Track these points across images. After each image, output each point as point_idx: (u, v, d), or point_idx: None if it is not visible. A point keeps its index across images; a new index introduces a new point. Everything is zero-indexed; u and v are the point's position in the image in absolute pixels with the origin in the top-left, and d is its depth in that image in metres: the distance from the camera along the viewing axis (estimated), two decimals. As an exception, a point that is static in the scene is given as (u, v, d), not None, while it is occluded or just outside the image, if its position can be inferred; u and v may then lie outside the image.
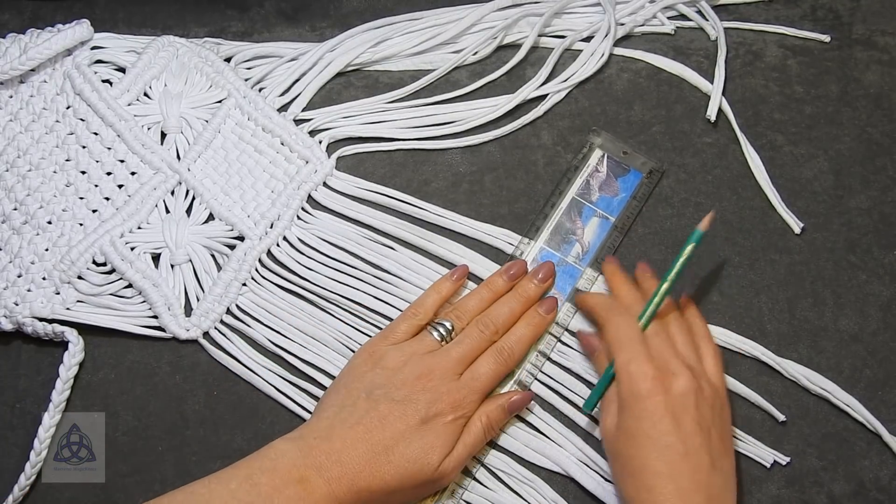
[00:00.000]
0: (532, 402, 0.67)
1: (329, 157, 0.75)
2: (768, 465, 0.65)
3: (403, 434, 0.60)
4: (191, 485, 0.58)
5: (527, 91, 0.76)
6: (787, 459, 0.65)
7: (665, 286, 0.64)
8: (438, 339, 0.65)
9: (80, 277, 0.71)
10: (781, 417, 0.66)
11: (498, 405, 0.65)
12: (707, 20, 0.78)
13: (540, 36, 0.78)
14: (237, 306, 0.71)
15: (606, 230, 0.72)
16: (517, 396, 0.65)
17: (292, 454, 0.59)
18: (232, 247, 0.72)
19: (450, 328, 0.66)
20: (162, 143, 0.75)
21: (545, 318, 0.68)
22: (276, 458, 0.59)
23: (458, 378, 0.63)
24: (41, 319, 0.70)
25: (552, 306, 0.68)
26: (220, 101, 0.77)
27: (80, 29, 0.77)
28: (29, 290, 0.71)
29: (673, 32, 0.79)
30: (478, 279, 0.70)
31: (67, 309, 0.70)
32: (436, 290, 0.68)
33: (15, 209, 0.73)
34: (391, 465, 0.60)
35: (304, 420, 0.67)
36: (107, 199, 0.73)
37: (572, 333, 0.69)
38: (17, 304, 0.70)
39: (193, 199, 0.74)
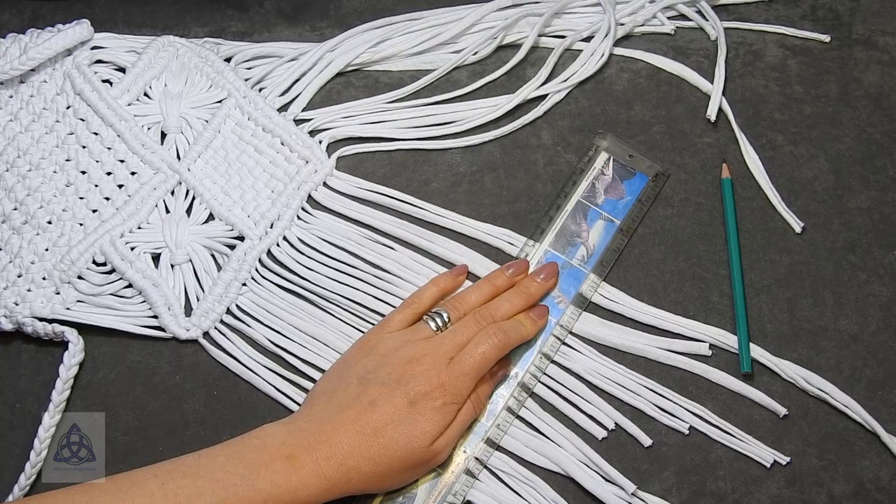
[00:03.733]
0: (532, 401, 0.67)
1: (329, 157, 0.75)
2: (768, 465, 0.65)
3: (393, 417, 0.60)
4: (181, 457, 0.59)
5: (527, 91, 0.76)
6: (787, 459, 0.65)
7: (733, 243, 0.70)
8: (434, 328, 0.65)
9: (80, 277, 0.71)
10: (783, 411, 0.66)
11: (485, 382, 0.65)
12: (707, 20, 0.78)
13: (540, 36, 0.78)
14: (237, 306, 0.71)
15: (612, 233, 0.72)
16: (496, 367, 0.66)
17: (282, 434, 0.60)
18: (232, 247, 0.72)
19: (446, 319, 0.66)
20: (162, 143, 0.75)
21: (543, 318, 0.68)
22: (266, 437, 0.60)
23: (449, 363, 0.63)
24: (41, 319, 0.70)
25: (543, 312, 0.68)
26: (220, 101, 0.77)
27: (80, 29, 0.77)
28: (29, 290, 0.71)
29: (673, 32, 0.79)
30: (478, 279, 0.70)
31: (67, 309, 0.70)
32: (435, 283, 0.68)
33: (15, 209, 0.73)
34: (381, 447, 0.60)
35: (304, 419, 0.67)
36: (107, 199, 0.73)
37: (575, 335, 0.69)
38: (17, 304, 0.70)
39: (193, 199, 0.74)
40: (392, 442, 0.60)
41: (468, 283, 0.70)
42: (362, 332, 0.69)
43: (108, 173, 0.74)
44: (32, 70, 0.77)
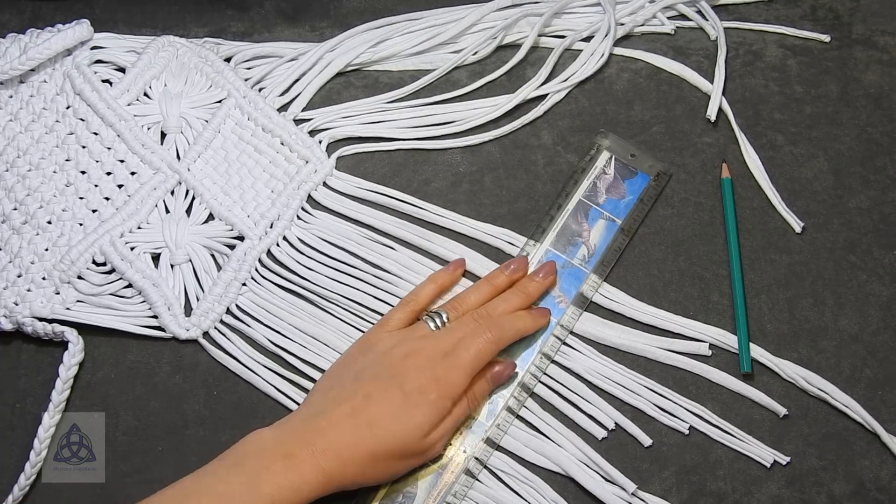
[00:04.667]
0: (532, 401, 0.67)
1: (329, 156, 0.75)
2: (768, 465, 0.65)
3: (388, 409, 0.61)
4: (180, 480, 0.59)
5: (527, 91, 0.76)
6: (787, 459, 0.65)
7: (733, 243, 0.70)
8: (433, 328, 0.65)
9: (80, 277, 0.71)
10: (783, 411, 0.66)
11: (483, 378, 0.65)
12: (707, 20, 0.78)
13: (540, 36, 0.78)
14: (237, 306, 0.71)
15: (613, 233, 0.72)
16: (499, 367, 0.66)
17: (277, 436, 0.60)
18: (232, 247, 0.72)
19: (445, 319, 0.66)
20: (162, 143, 0.75)
21: (543, 318, 0.68)
22: (261, 441, 0.60)
23: (444, 358, 0.63)
24: (41, 319, 0.70)
25: (544, 314, 0.68)
26: (220, 101, 0.77)
27: (80, 29, 0.77)
28: (29, 290, 0.70)
29: (673, 32, 0.79)
30: (477, 279, 0.70)
31: (67, 309, 0.70)
32: (432, 280, 0.69)
33: (15, 209, 0.73)
34: (376, 439, 0.60)
35: (304, 419, 0.67)
36: (107, 199, 0.73)
37: (576, 335, 0.69)
38: (17, 304, 0.70)
39: (193, 199, 0.74)
40: (387, 433, 0.60)
41: (468, 282, 0.70)
42: (362, 331, 0.69)
43: (108, 173, 0.74)
44: (32, 70, 0.77)
